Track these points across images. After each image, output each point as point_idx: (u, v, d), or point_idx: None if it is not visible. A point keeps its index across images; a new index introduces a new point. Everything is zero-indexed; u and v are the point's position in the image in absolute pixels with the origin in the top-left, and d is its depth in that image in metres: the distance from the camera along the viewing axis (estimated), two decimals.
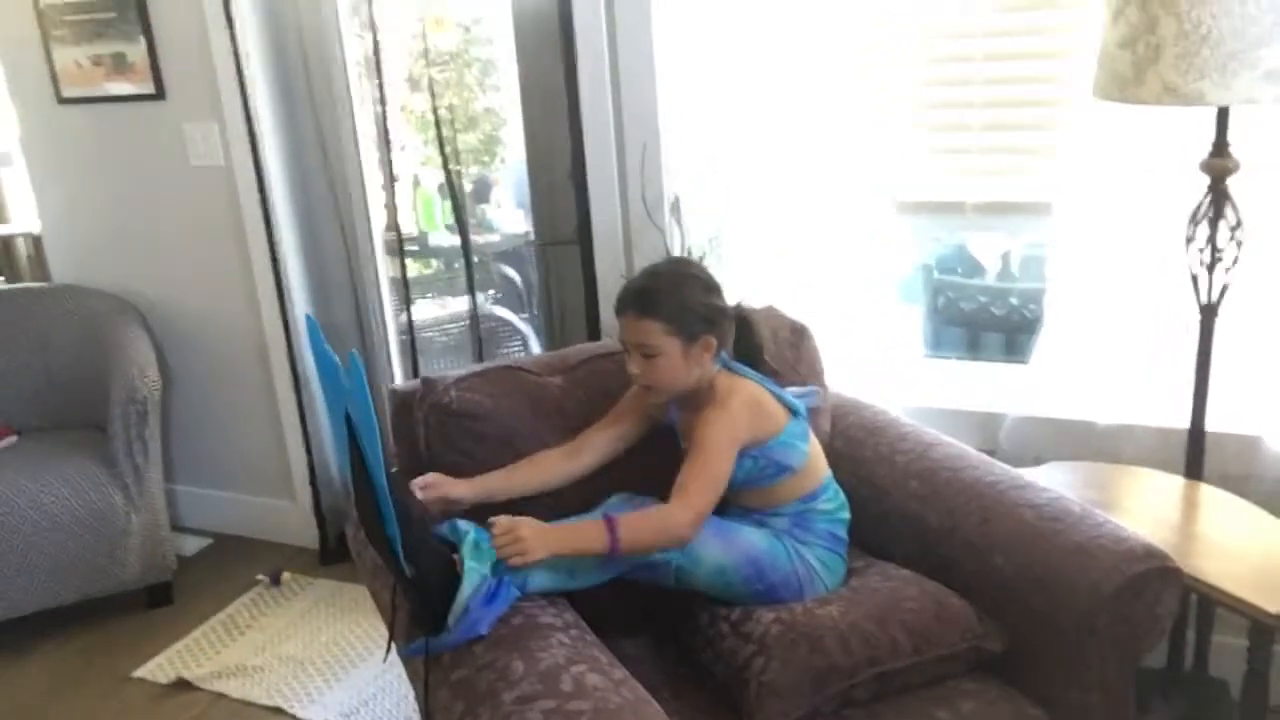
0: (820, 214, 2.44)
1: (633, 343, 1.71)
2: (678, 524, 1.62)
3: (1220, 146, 1.87)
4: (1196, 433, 2.06)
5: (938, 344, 2.92)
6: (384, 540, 1.46)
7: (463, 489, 1.71)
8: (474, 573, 1.51)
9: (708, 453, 1.67)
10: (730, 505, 1.81)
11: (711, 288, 1.74)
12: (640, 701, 1.36)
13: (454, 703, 1.41)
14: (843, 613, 1.63)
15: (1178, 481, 2.05)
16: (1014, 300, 2.95)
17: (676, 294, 1.69)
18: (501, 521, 1.54)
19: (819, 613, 1.63)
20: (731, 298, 1.78)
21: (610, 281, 2.64)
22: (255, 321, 3.14)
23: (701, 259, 2.48)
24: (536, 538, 1.54)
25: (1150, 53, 1.73)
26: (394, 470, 1.91)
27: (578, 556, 1.60)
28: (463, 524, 1.59)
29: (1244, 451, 2.18)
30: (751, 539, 1.72)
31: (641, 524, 1.62)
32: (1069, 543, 1.62)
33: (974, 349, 3.03)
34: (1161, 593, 1.58)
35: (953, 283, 3.07)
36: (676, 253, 2.49)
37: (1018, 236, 2.94)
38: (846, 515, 1.83)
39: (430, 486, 1.68)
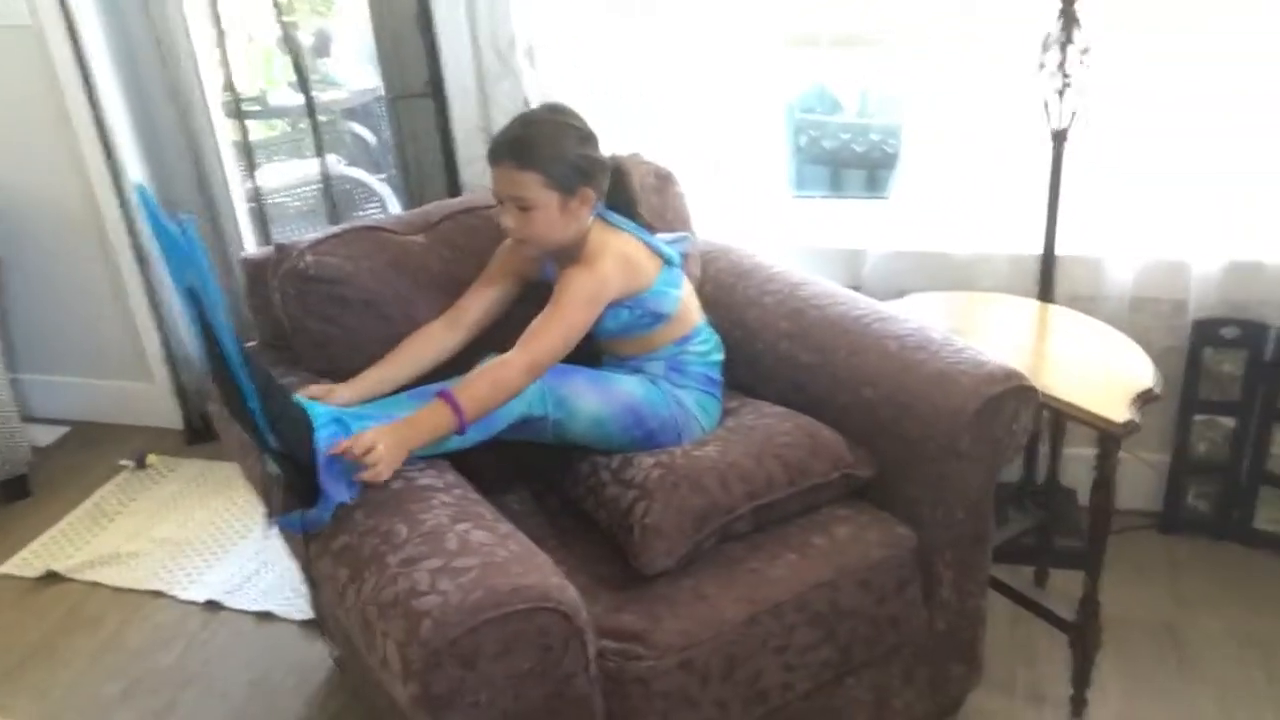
0: (682, 55, 2.37)
1: (508, 195, 1.64)
2: (509, 371, 1.57)
3: None
4: (1048, 257, 2.14)
5: (802, 183, 2.93)
6: (245, 413, 1.40)
7: (346, 394, 1.63)
8: (322, 431, 1.45)
9: (563, 306, 1.62)
10: (605, 354, 1.80)
11: (588, 138, 1.68)
12: (527, 553, 1.37)
13: (338, 570, 1.40)
14: (721, 452, 1.66)
15: (1031, 305, 2.14)
16: (874, 136, 2.98)
17: (554, 145, 1.63)
18: (355, 447, 1.44)
19: (697, 454, 1.66)
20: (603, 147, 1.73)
21: (467, 135, 2.54)
22: (87, 196, 2.92)
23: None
24: (386, 451, 1.46)
25: None
26: (248, 344, 1.84)
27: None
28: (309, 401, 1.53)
29: (1090, 273, 2.29)
30: (627, 387, 1.73)
31: (478, 385, 1.56)
32: (932, 370, 1.68)
33: (837, 186, 3.06)
34: (1019, 410, 1.66)
35: (814, 121, 3.07)
36: (534, 103, 2.39)
37: (875, 71, 2.94)
38: (720, 357, 1.85)
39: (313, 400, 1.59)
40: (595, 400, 1.68)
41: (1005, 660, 2.10)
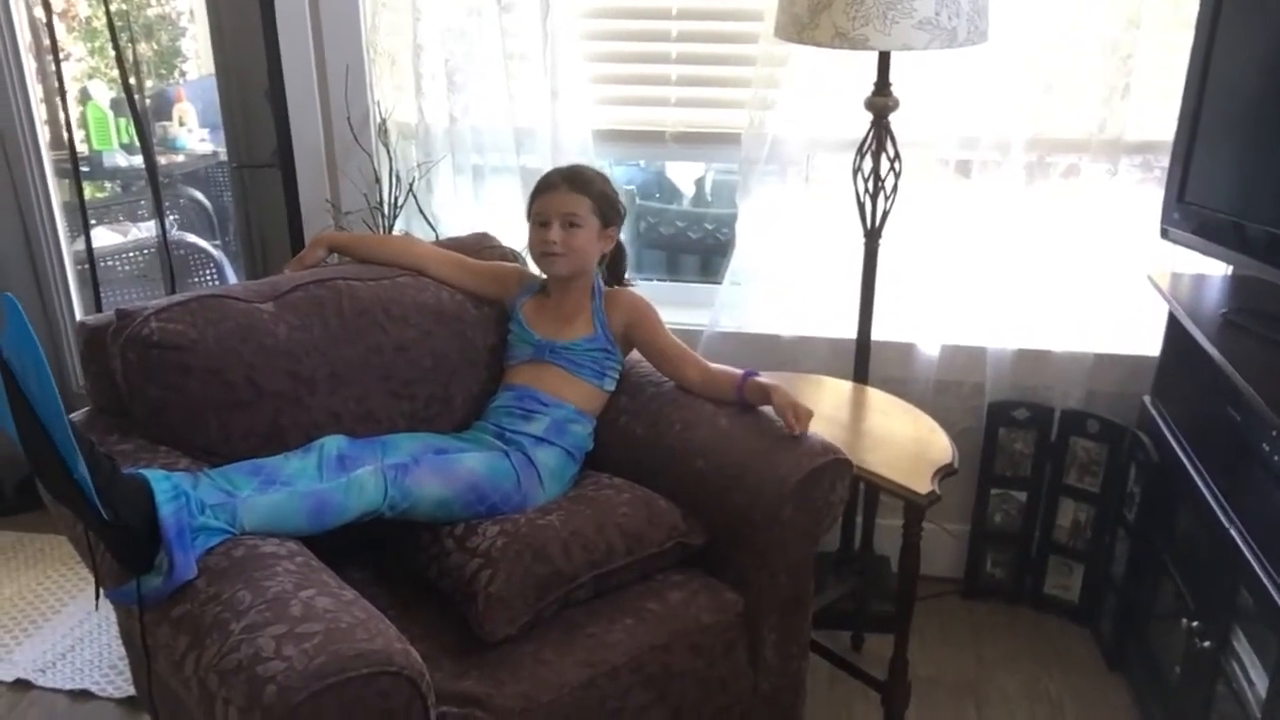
0: (532, 140, 2.48)
1: (560, 212, 1.90)
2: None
3: (882, 86, 2.10)
4: (863, 342, 2.33)
5: (640, 266, 3.08)
6: (70, 485, 1.37)
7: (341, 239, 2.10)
8: (166, 506, 1.46)
9: (665, 331, 2.01)
10: (516, 382, 1.95)
11: (617, 194, 2.00)
12: (371, 618, 1.39)
13: (176, 639, 1.38)
14: (563, 521, 1.73)
15: (848, 385, 2.31)
16: (708, 225, 3.16)
17: (602, 183, 1.96)
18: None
19: (541, 523, 1.72)
20: (447, 224, 1.82)
21: (314, 207, 2.56)
22: None
23: (411, 185, 2.48)
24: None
25: None
26: (78, 410, 1.80)
27: (290, 511, 1.59)
28: (148, 471, 1.53)
29: (900, 357, 2.50)
30: (470, 465, 1.77)
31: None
32: (758, 444, 1.81)
33: (674, 270, 3.22)
34: (836, 482, 1.81)
35: (652, 208, 3.23)
36: (384, 178, 2.45)
37: (712, 164, 3.13)
38: (591, 446, 1.96)
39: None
40: (438, 486, 1.72)
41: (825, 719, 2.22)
